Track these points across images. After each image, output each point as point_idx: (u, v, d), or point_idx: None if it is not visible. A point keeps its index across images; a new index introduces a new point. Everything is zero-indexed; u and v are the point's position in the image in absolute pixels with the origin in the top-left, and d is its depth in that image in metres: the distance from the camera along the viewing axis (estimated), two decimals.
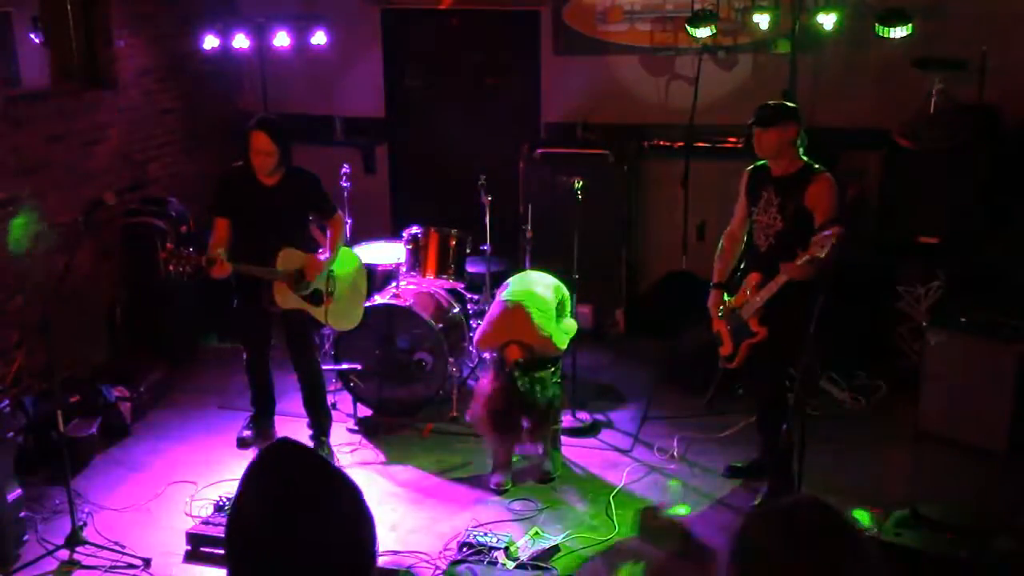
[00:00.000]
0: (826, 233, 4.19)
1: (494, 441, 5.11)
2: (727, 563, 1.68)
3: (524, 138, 7.29)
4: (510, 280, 5.44)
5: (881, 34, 6.25)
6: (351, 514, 1.73)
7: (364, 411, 6.02)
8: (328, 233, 5.46)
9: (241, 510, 1.74)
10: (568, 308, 5.48)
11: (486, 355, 5.42)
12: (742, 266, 5.01)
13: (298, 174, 5.31)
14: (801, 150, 4.67)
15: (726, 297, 4.99)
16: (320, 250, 5.41)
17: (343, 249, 5.58)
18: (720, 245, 5.07)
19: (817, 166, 4.67)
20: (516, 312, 5.07)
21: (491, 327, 5.11)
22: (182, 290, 6.52)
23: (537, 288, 5.28)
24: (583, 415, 5.92)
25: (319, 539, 1.66)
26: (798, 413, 4.56)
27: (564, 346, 5.20)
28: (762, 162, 4.82)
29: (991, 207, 6.18)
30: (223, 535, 3.63)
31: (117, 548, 4.62)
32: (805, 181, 4.61)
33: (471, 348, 6.25)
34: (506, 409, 4.81)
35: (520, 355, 4.94)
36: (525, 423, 4.86)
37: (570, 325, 5.41)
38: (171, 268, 5.00)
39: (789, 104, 4.80)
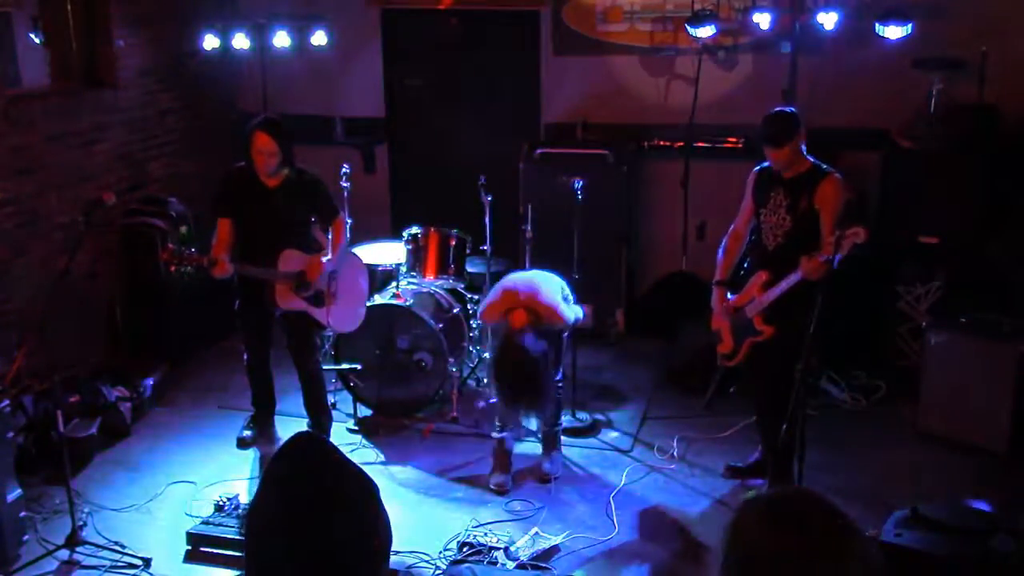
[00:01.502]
0: (840, 234, 4.17)
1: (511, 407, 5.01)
2: (720, 553, 1.68)
3: (524, 138, 7.29)
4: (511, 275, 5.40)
5: (881, 34, 6.25)
6: (368, 511, 1.74)
7: (364, 411, 6.02)
8: (330, 235, 5.46)
9: (261, 502, 1.75)
10: (571, 302, 5.46)
11: (490, 324, 5.31)
12: (746, 265, 5.01)
13: (301, 175, 5.30)
14: (804, 149, 4.68)
15: (729, 295, 4.99)
16: (322, 251, 5.41)
17: (345, 250, 5.58)
18: (724, 243, 5.06)
19: (825, 166, 4.67)
20: (521, 286, 5.00)
21: (496, 298, 5.00)
22: (182, 290, 6.52)
23: (541, 275, 5.24)
24: (583, 415, 5.93)
25: (336, 533, 1.67)
26: (798, 413, 4.56)
27: (571, 319, 5.09)
28: (769, 163, 4.81)
29: (991, 207, 6.18)
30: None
31: (117, 548, 4.62)
32: (814, 181, 4.61)
33: (471, 348, 6.26)
34: (512, 370, 4.68)
35: (526, 320, 4.81)
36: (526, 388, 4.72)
37: (576, 309, 5.34)
38: (172, 269, 5.01)
39: (791, 111, 4.76)
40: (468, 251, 6.24)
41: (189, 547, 4.65)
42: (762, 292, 4.75)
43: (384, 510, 1.76)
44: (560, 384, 5.34)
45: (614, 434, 5.81)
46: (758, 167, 4.90)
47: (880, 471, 5.33)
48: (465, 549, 4.54)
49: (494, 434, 5.35)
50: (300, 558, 1.66)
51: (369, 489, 1.76)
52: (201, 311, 6.74)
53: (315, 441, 1.83)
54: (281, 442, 5.96)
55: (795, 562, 1.59)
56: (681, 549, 4.69)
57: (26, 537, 4.69)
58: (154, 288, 6.59)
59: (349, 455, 5.73)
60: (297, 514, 1.68)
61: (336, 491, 1.71)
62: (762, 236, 4.82)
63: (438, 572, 4.45)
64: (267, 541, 1.70)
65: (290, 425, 5.79)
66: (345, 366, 5.92)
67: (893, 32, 6.19)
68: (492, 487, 5.19)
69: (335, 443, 5.35)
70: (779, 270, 4.65)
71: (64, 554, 4.61)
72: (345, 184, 6.13)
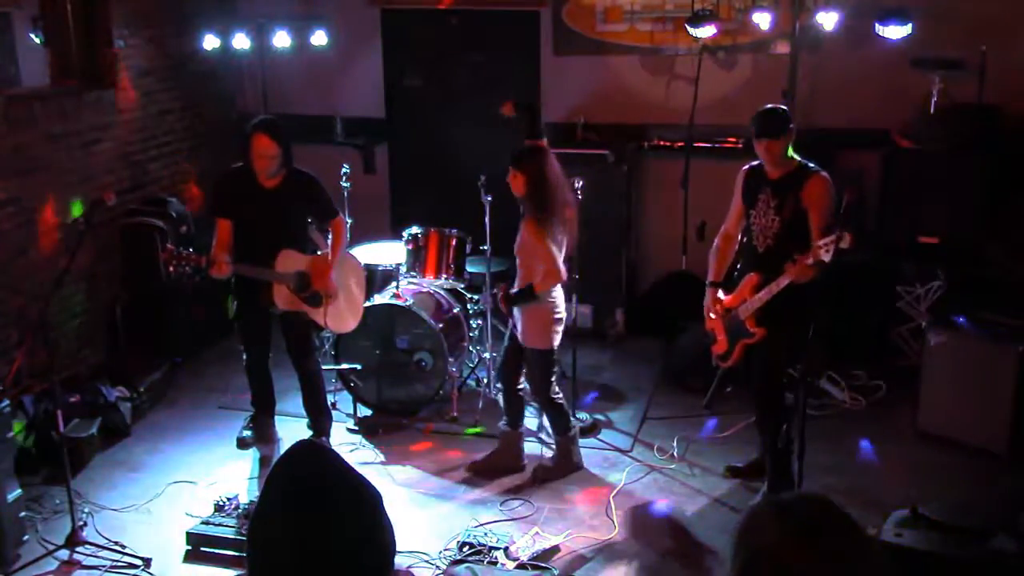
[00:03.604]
0: (830, 238, 4.18)
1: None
2: (730, 557, 1.68)
3: (524, 138, 7.26)
4: None
5: (881, 34, 6.25)
6: (371, 520, 1.73)
7: (364, 411, 6.02)
8: (330, 236, 5.46)
9: (263, 509, 1.75)
10: None
11: None
12: (738, 267, 5.00)
13: (298, 176, 5.30)
14: (790, 149, 4.68)
15: (721, 296, 4.98)
16: (320, 252, 5.41)
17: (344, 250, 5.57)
18: (715, 245, 5.06)
19: (811, 165, 4.66)
20: None
21: None
22: (182, 290, 6.52)
23: None
24: (583, 415, 5.93)
25: (338, 542, 1.66)
26: (798, 413, 4.56)
27: None
28: (757, 163, 4.81)
29: (991, 207, 6.18)
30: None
31: (117, 548, 4.62)
32: (801, 181, 4.61)
33: (471, 348, 6.26)
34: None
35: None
36: None
37: None
38: (172, 269, 5.01)
39: (783, 108, 4.79)
40: (468, 251, 6.24)
41: (189, 547, 4.65)
42: (753, 294, 4.75)
43: (388, 518, 1.75)
44: (559, 394, 5.33)
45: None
46: (747, 167, 4.90)
47: (880, 471, 5.33)
48: (465, 549, 4.54)
49: (501, 424, 5.37)
50: (303, 567, 1.66)
51: (372, 497, 1.75)
52: (201, 311, 6.75)
53: (316, 449, 1.82)
54: (281, 442, 5.95)
55: (806, 567, 1.58)
56: (681, 549, 4.69)
57: (26, 537, 4.69)
58: (154, 288, 6.59)
59: (349, 455, 5.71)
60: (299, 523, 1.67)
61: (338, 500, 1.71)
62: (752, 238, 4.81)
63: (438, 572, 4.45)
64: (270, 550, 1.70)
65: (290, 425, 5.80)
66: (345, 366, 5.92)
67: (893, 32, 6.19)
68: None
69: (336, 450, 5.35)
70: (769, 272, 4.64)
71: (64, 554, 4.61)
72: (345, 184, 6.13)
